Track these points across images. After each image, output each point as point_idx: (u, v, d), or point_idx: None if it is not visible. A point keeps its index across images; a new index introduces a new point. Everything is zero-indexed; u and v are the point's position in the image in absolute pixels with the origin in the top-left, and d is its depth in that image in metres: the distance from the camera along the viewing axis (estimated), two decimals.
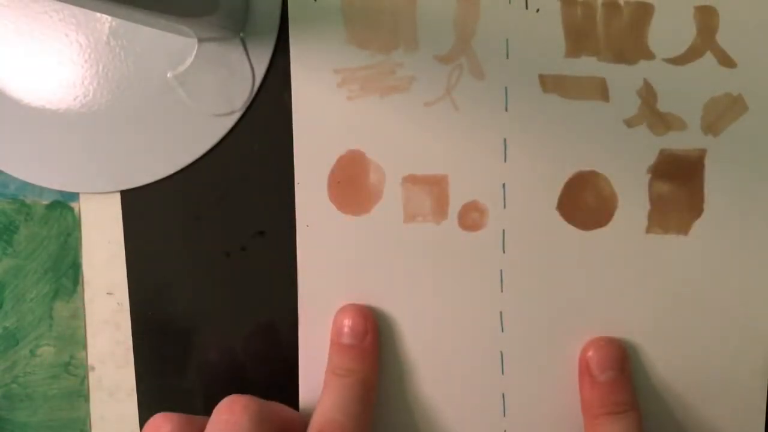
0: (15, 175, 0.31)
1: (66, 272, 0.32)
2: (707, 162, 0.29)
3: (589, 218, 0.29)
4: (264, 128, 0.30)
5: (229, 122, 0.30)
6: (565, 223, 0.29)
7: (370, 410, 0.28)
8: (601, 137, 0.29)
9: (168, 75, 0.29)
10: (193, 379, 0.31)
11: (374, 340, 0.29)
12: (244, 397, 0.27)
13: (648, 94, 0.29)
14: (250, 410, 0.26)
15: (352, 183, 0.30)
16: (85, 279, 0.32)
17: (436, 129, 0.29)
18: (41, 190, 0.31)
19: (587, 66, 0.29)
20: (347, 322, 0.29)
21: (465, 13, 0.29)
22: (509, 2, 0.28)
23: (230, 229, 0.31)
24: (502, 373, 0.30)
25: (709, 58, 0.28)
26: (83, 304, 0.32)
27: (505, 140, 0.29)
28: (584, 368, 0.29)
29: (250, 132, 0.30)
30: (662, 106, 0.29)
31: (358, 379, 0.28)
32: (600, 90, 0.29)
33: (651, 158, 0.29)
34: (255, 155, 0.30)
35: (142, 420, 0.32)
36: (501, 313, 0.30)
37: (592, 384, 0.28)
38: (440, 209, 0.30)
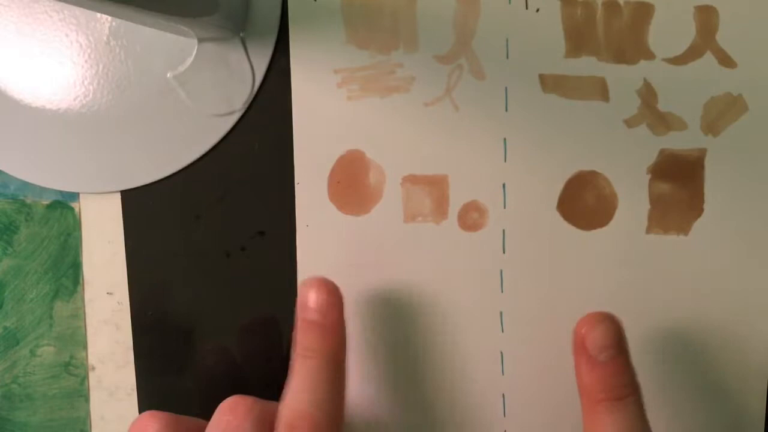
0: (15, 175, 0.31)
1: (66, 272, 0.32)
2: (707, 162, 0.29)
3: (589, 218, 0.29)
4: (264, 128, 0.30)
5: (229, 122, 0.30)
6: (565, 223, 0.29)
7: (340, 390, 0.27)
8: (601, 137, 0.29)
9: (168, 75, 0.29)
10: (193, 379, 0.31)
11: (340, 316, 0.27)
12: (248, 399, 0.26)
13: (648, 94, 0.29)
14: (253, 413, 0.26)
15: (352, 183, 0.30)
16: (86, 279, 0.32)
17: (436, 129, 0.29)
18: (41, 190, 0.31)
19: (587, 66, 0.29)
20: (312, 297, 0.27)
21: (465, 13, 0.29)
22: (509, 2, 0.28)
23: (230, 229, 0.31)
24: (502, 373, 0.30)
25: (709, 58, 0.28)
26: (83, 304, 0.32)
27: (505, 140, 0.29)
28: (580, 347, 0.27)
29: (250, 132, 0.30)
30: (662, 106, 0.29)
31: (325, 359, 0.27)
32: (600, 90, 0.29)
33: (651, 158, 0.29)
34: (255, 155, 0.30)
35: None
36: (501, 313, 0.30)
37: (591, 366, 0.26)
38: (440, 209, 0.30)
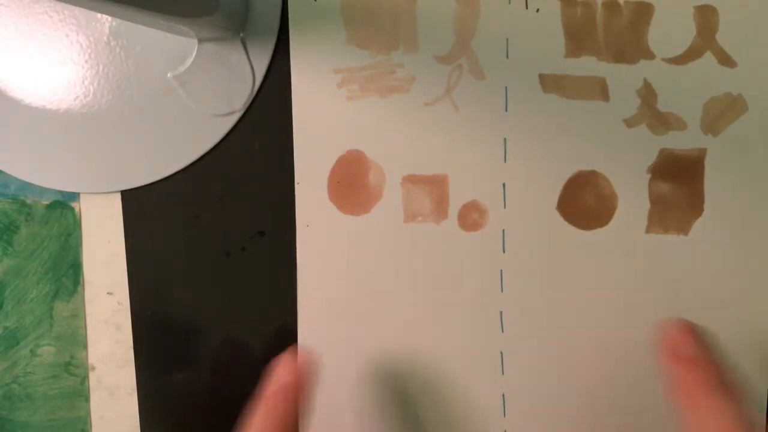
0: (15, 175, 0.31)
1: (66, 272, 0.32)
2: (707, 162, 0.29)
3: (589, 218, 0.29)
4: (264, 128, 0.30)
5: (229, 122, 0.30)
6: (565, 223, 0.29)
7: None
8: (601, 137, 0.29)
9: (168, 75, 0.29)
10: (193, 379, 0.31)
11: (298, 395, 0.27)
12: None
13: (648, 94, 0.29)
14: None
15: (352, 183, 0.30)
16: (86, 279, 0.32)
17: (436, 129, 0.29)
18: (42, 190, 0.31)
19: (587, 66, 0.29)
20: (279, 374, 0.27)
21: (465, 13, 0.29)
22: (509, 2, 0.28)
23: (230, 229, 0.31)
24: (502, 373, 0.30)
25: (709, 58, 0.28)
26: (83, 304, 0.32)
27: (505, 140, 0.29)
28: (673, 354, 0.27)
29: (250, 132, 0.30)
30: (662, 106, 0.29)
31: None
32: (600, 90, 0.29)
33: (651, 158, 0.29)
34: (255, 155, 0.30)
35: (143, 420, 0.32)
36: (501, 313, 0.30)
37: (690, 366, 0.26)
38: (440, 209, 0.30)
